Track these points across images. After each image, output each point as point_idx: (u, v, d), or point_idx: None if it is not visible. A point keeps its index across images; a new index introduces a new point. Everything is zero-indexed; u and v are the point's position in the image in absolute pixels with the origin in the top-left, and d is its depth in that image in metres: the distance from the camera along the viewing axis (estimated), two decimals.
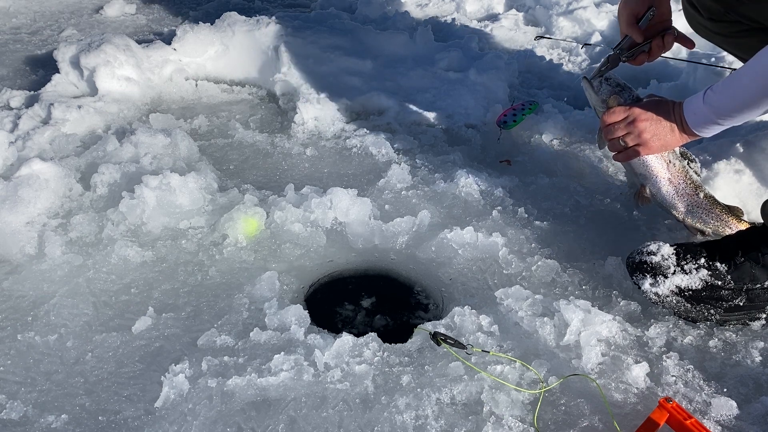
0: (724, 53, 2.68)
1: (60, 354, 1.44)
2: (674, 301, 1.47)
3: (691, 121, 1.48)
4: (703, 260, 1.48)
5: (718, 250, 1.49)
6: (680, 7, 1.82)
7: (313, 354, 1.37)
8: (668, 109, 1.55)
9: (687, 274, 1.47)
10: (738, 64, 2.19)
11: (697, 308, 1.47)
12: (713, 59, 2.77)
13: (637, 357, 1.39)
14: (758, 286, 1.45)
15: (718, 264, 1.47)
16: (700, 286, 1.46)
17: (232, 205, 1.84)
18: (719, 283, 1.45)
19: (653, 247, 1.51)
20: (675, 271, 1.47)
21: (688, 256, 1.49)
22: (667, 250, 1.50)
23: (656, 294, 1.48)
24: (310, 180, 2.08)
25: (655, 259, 1.49)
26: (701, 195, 1.67)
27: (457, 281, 1.65)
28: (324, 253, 1.77)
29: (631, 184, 1.92)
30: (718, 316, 1.47)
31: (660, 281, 1.47)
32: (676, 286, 1.47)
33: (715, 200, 1.68)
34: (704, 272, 1.46)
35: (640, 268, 1.50)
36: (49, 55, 2.90)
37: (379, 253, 1.78)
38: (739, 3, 1.47)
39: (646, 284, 1.48)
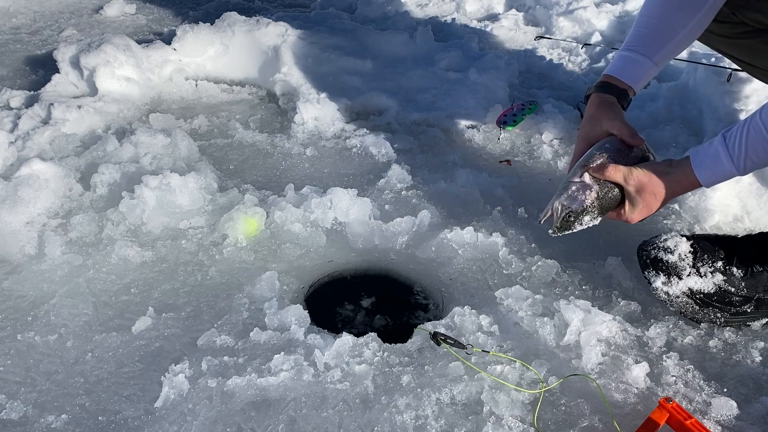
0: None
1: (60, 354, 1.44)
2: (683, 301, 1.46)
3: (707, 182, 1.35)
4: (720, 263, 1.45)
5: (736, 253, 1.46)
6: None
7: (313, 354, 1.37)
8: (672, 188, 1.38)
9: (702, 277, 1.45)
10: (734, 67, 2.19)
11: (704, 311, 1.45)
12: (713, 59, 2.77)
13: (637, 357, 1.39)
14: None
15: (734, 269, 1.45)
16: (712, 291, 1.44)
17: (232, 205, 1.84)
18: (732, 289, 1.43)
19: (671, 243, 1.48)
20: (690, 273, 1.45)
21: (706, 256, 1.46)
22: (684, 247, 1.47)
23: (666, 293, 1.47)
24: (310, 180, 2.08)
25: (672, 258, 1.46)
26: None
27: (457, 281, 1.65)
28: (324, 253, 1.77)
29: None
30: (723, 319, 1.46)
31: (673, 281, 1.45)
32: (689, 289, 1.45)
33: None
34: (719, 277, 1.44)
35: (655, 264, 1.47)
36: (49, 55, 2.90)
37: (379, 253, 1.78)
38: (746, 3, 1.46)
39: (658, 282, 1.47)
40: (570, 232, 1.43)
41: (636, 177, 1.39)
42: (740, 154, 1.29)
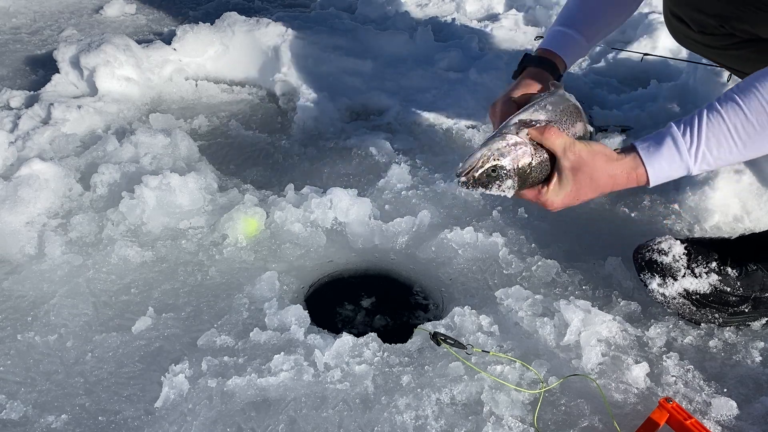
0: None
1: (60, 354, 1.44)
2: (680, 303, 1.46)
3: (655, 180, 1.24)
4: (714, 264, 1.45)
5: (730, 253, 1.46)
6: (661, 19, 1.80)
7: (313, 354, 1.37)
8: (615, 177, 1.25)
9: (697, 277, 1.44)
10: (725, 72, 2.20)
11: (702, 311, 1.45)
12: None
13: (637, 357, 1.39)
14: (766, 295, 1.43)
15: (729, 269, 1.44)
16: (708, 291, 1.44)
17: (232, 205, 1.84)
18: (728, 289, 1.43)
19: (665, 245, 1.47)
20: (685, 273, 1.45)
21: (700, 257, 1.46)
22: (678, 249, 1.47)
23: (663, 295, 1.46)
24: (310, 180, 2.08)
25: (666, 259, 1.46)
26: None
27: (457, 281, 1.65)
28: (324, 253, 1.77)
29: None
30: (721, 320, 1.46)
31: (669, 283, 1.45)
32: (684, 289, 1.45)
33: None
34: (714, 277, 1.44)
35: (650, 267, 1.47)
36: (49, 55, 2.90)
37: (379, 253, 1.78)
38: (734, 17, 1.45)
39: (654, 284, 1.47)
40: (481, 190, 1.25)
41: (577, 151, 1.19)
42: (695, 145, 1.17)
